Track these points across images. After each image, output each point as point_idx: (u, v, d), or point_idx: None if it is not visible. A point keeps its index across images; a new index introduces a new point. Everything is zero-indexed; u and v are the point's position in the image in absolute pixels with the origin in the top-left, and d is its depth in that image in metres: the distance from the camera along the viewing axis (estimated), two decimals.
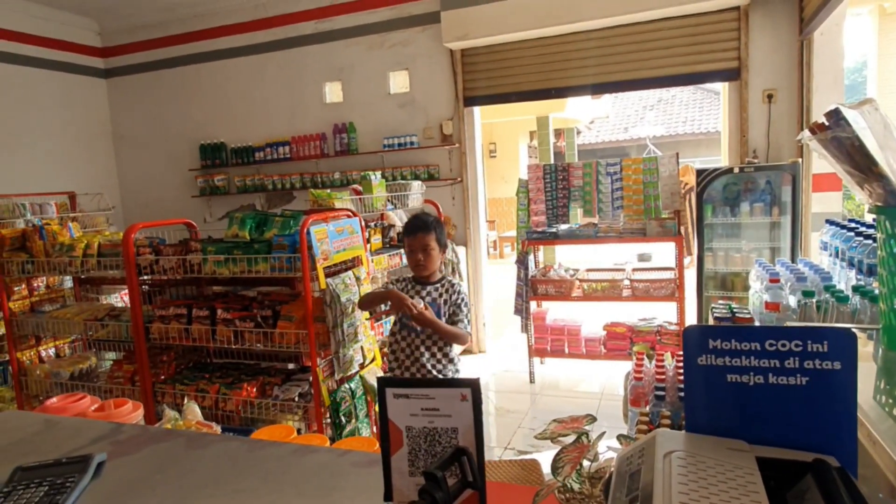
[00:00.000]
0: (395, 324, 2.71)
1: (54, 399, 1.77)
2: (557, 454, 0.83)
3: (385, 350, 2.87)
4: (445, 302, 2.62)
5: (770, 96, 4.59)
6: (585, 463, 0.84)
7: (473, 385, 0.92)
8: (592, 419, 0.90)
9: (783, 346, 0.75)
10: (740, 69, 4.66)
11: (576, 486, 0.79)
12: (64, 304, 3.71)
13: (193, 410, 1.58)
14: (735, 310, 2.24)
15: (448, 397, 0.93)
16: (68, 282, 3.98)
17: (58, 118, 6.23)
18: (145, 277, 3.15)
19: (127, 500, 1.11)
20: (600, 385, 4.75)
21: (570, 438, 0.91)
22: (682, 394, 1.79)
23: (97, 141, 6.73)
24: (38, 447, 1.38)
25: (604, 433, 0.86)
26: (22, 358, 3.57)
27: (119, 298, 3.98)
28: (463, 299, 2.66)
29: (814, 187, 4.35)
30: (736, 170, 4.24)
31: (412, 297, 2.56)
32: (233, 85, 6.35)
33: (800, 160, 4.26)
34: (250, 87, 6.28)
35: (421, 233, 2.58)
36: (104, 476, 1.19)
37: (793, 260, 3.73)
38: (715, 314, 2.23)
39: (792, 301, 2.01)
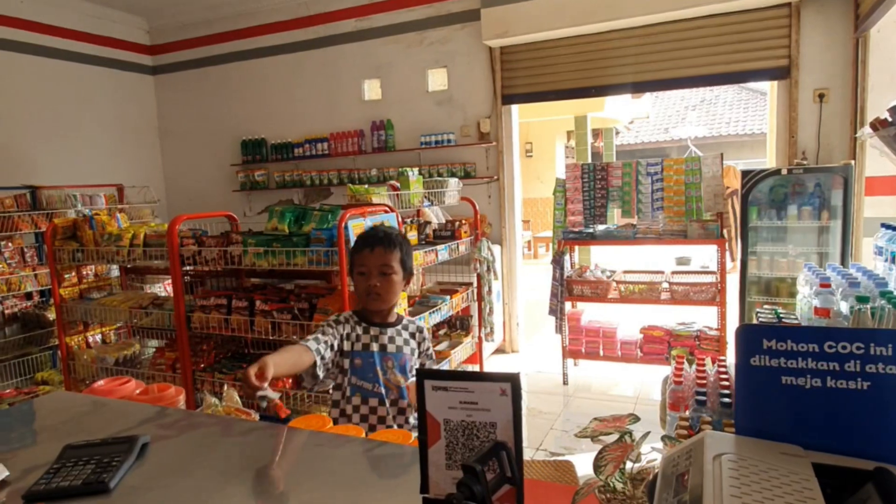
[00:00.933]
0: (336, 389, 1.90)
1: (101, 382, 1.83)
2: (600, 452, 0.81)
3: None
4: (413, 352, 1.91)
5: (821, 96, 4.42)
6: (628, 464, 0.82)
7: (514, 379, 0.90)
8: (636, 419, 0.88)
9: (843, 348, 0.71)
10: (790, 67, 4.49)
11: (619, 486, 0.78)
12: (111, 293, 3.84)
13: (233, 397, 1.61)
14: (781, 315, 2.17)
15: (487, 391, 0.92)
16: (115, 271, 4.13)
17: (108, 113, 6.46)
18: (188, 268, 3.23)
19: (169, 481, 1.13)
20: (635, 389, 4.66)
21: (612, 438, 0.88)
22: (724, 399, 1.74)
23: (144, 136, 6.95)
24: (86, 427, 1.43)
25: (649, 433, 0.84)
26: (70, 343, 3.71)
27: (162, 288, 4.10)
28: (430, 346, 2.02)
29: (867, 191, 4.17)
30: (784, 171, 4.09)
31: (363, 344, 1.86)
32: (274, 82, 6.47)
33: (852, 162, 4.09)
34: (291, 84, 6.38)
35: (380, 248, 1.82)
36: (148, 457, 1.23)
37: (843, 265, 3.58)
38: (760, 319, 2.16)
39: (843, 307, 1.93)
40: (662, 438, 0.89)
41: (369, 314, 1.90)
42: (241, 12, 6.43)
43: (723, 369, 1.96)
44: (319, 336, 1.81)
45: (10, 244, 4.53)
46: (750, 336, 0.75)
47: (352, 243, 2.67)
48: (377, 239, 1.85)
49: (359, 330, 1.88)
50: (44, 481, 1.10)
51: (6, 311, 4.43)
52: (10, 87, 5.46)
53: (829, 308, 1.97)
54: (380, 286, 1.82)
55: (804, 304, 2.23)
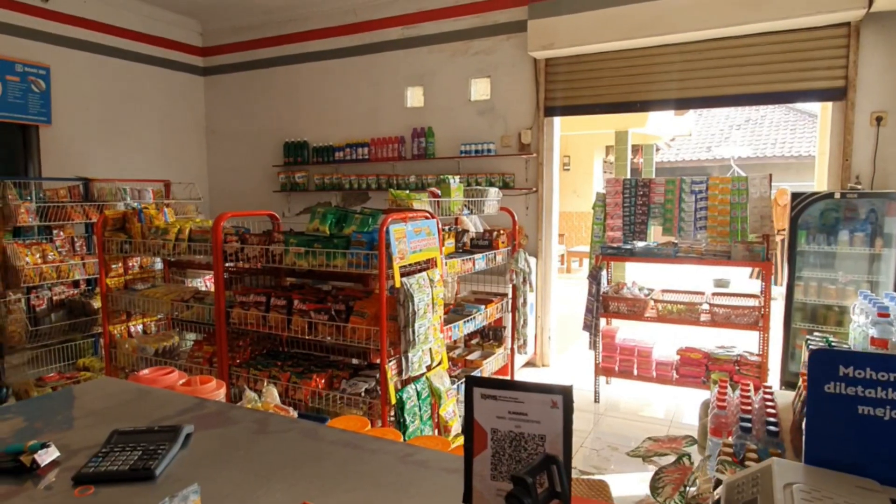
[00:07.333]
0: None
1: (146, 370, 1.87)
2: (657, 473, 0.79)
3: None
4: None
5: (879, 119, 4.26)
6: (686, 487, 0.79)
7: (566, 392, 0.88)
8: (693, 441, 0.85)
9: None
10: (847, 88, 4.35)
11: None
12: (154, 285, 3.93)
13: (272, 394, 1.63)
14: (833, 343, 2.08)
15: (538, 403, 0.90)
16: (159, 263, 4.23)
17: (159, 111, 6.67)
18: (229, 264, 3.29)
19: (211, 472, 1.14)
20: (667, 411, 4.54)
21: (667, 459, 0.85)
22: (770, 427, 1.67)
23: (192, 134, 7.15)
24: (131, 413, 1.46)
25: (709, 456, 0.81)
26: (113, 331, 3.82)
27: (203, 283, 4.19)
28: None
29: None
30: (837, 195, 3.96)
31: None
32: (319, 86, 6.59)
33: None
34: (336, 88, 6.49)
35: None
36: (191, 447, 1.24)
37: None
38: (811, 347, 2.07)
39: None
40: (720, 462, 0.86)
41: None
42: (293, 17, 6.57)
43: (769, 396, 1.88)
44: None
45: (61, 233, 4.69)
46: (825, 361, 0.71)
47: (392, 247, 2.69)
48: None
49: None
50: (93, 464, 1.13)
51: (54, 298, 4.58)
52: (69, 83, 5.69)
53: (887, 339, 1.88)
54: None
55: (858, 334, 2.14)
